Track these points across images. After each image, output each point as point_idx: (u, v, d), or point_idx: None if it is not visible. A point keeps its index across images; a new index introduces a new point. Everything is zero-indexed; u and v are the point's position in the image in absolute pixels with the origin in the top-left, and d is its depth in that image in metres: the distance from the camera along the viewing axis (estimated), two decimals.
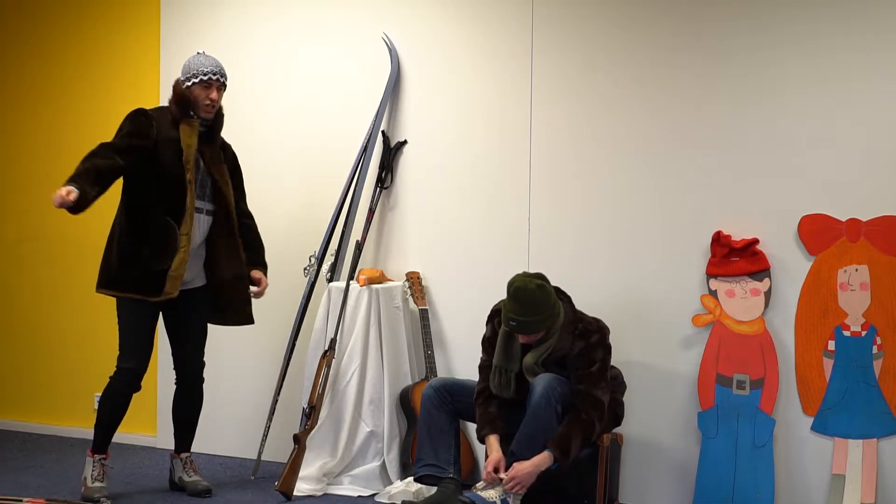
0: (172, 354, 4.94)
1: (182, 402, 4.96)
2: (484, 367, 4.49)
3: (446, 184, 5.19)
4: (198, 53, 4.85)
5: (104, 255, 4.74)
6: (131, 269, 4.64)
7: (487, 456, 4.35)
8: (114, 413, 4.75)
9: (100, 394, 4.76)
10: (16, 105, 6.41)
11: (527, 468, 4.19)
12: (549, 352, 4.31)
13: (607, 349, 4.35)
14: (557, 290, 4.40)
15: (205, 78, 4.74)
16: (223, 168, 4.87)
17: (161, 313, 4.82)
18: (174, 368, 4.94)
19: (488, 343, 4.50)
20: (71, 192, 4.34)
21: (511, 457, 4.26)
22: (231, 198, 4.86)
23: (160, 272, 4.63)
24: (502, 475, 4.23)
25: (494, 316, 4.50)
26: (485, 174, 5.11)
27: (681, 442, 4.67)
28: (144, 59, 5.94)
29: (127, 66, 6.03)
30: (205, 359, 4.92)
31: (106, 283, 4.72)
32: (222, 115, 4.87)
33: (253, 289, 4.95)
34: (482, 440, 4.41)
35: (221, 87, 4.82)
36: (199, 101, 4.75)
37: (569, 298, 4.44)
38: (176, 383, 4.96)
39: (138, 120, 4.69)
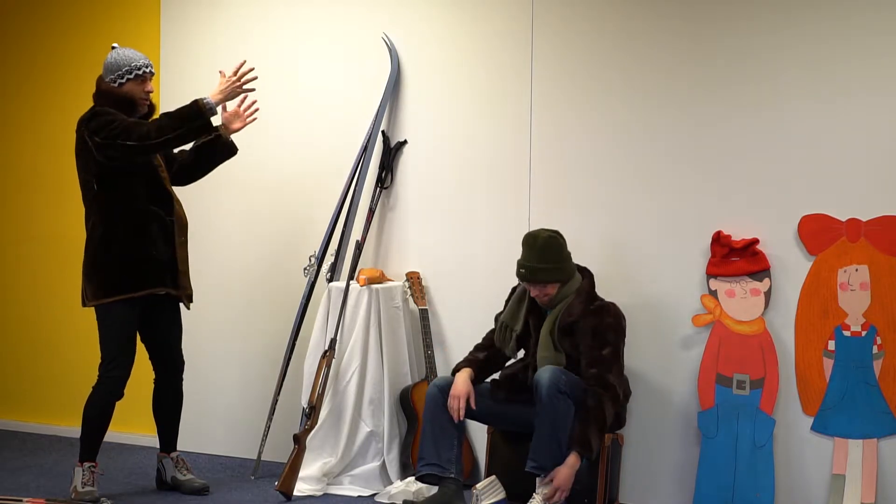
0: (151, 355, 4.90)
1: (166, 400, 4.94)
2: (490, 332, 4.65)
3: (446, 184, 5.19)
4: (115, 48, 4.71)
5: (91, 265, 4.65)
6: (131, 268, 4.62)
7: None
8: (102, 421, 4.73)
9: None
10: (16, 105, 6.40)
11: (564, 472, 4.17)
12: (561, 314, 4.36)
13: (620, 334, 4.39)
14: (581, 267, 4.50)
15: (139, 72, 4.65)
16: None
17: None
18: (154, 368, 4.92)
19: (503, 311, 4.63)
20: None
21: (532, 461, 4.22)
22: (170, 183, 4.80)
23: (156, 265, 4.63)
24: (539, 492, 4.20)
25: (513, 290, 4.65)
26: (485, 174, 5.11)
27: (681, 442, 4.67)
28: None
29: None
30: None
31: (106, 290, 4.62)
32: (154, 106, 4.80)
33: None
34: (453, 373, 4.53)
35: (152, 77, 4.73)
36: (136, 97, 4.66)
37: (591, 275, 4.51)
38: (156, 382, 4.94)
39: (112, 112, 4.58)
